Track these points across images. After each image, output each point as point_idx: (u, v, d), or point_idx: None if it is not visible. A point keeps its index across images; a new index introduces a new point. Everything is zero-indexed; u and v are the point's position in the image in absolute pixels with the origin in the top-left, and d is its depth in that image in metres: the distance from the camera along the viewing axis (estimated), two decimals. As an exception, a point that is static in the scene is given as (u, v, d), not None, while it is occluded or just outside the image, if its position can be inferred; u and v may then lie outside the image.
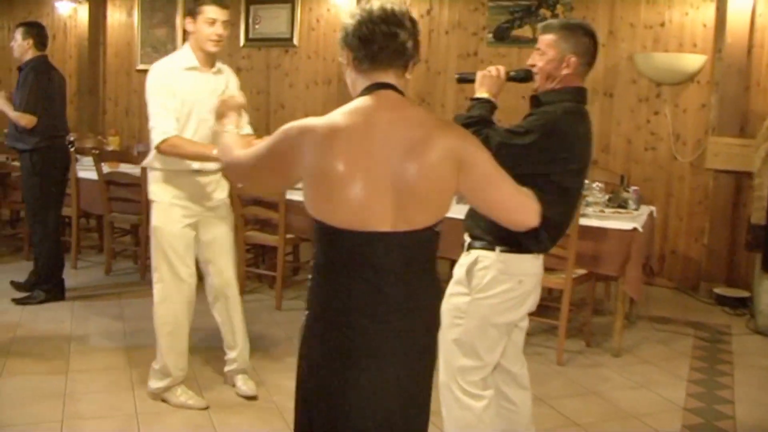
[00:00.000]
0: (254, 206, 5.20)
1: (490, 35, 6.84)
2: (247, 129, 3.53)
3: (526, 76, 2.69)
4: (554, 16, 6.55)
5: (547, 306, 4.60)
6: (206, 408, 3.59)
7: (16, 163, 5.40)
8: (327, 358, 1.85)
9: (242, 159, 1.99)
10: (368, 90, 1.84)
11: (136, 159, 5.95)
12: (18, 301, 5.05)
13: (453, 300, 2.65)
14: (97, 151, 5.94)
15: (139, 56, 8.65)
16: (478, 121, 2.55)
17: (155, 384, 3.64)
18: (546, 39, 2.63)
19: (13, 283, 5.31)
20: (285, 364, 4.22)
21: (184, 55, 3.49)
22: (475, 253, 2.64)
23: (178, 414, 3.54)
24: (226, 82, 3.59)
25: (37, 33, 5.09)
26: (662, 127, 6.34)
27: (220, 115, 2.34)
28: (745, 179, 5.96)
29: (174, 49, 8.25)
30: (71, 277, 5.73)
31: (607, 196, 4.90)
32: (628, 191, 4.92)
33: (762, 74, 5.96)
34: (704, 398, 4.02)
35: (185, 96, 3.42)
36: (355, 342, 1.81)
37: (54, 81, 5.08)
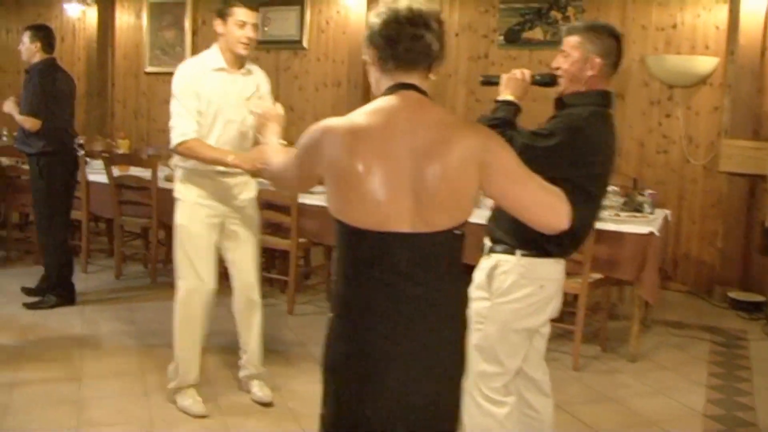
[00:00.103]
0: (266, 210, 5.15)
1: (501, 37, 6.81)
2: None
3: (551, 80, 2.66)
4: (565, 18, 6.52)
5: (561, 310, 4.54)
6: (204, 416, 3.53)
7: (26, 167, 5.38)
8: (350, 361, 1.84)
9: (280, 167, 2.06)
10: (391, 90, 1.83)
11: (146, 162, 5.93)
12: (29, 306, 5.03)
13: (473, 305, 2.61)
14: (107, 155, 5.92)
15: (147, 59, 8.64)
16: (502, 123, 2.51)
17: (169, 384, 3.63)
18: (570, 41, 2.60)
19: (23, 288, 5.28)
20: (299, 369, 4.19)
21: (212, 56, 3.47)
22: (495, 257, 2.61)
23: (194, 422, 3.50)
24: (256, 84, 3.57)
25: (45, 36, 5.07)
26: (674, 130, 6.30)
27: (260, 127, 2.34)
28: (758, 182, 5.92)
29: (182, 51, 8.32)
30: (81, 281, 5.70)
31: (622, 200, 4.86)
32: (643, 195, 4.88)
33: (776, 76, 5.92)
34: (724, 405, 3.97)
35: (211, 97, 3.40)
36: (377, 345, 1.79)
37: (60, 84, 5.05)
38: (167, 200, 5.57)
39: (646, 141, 6.39)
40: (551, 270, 2.62)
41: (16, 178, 6.20)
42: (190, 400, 3.58)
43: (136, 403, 3.67)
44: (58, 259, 5.10)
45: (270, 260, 6.00)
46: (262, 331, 3.77)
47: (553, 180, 2.48)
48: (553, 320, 2.81)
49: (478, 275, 2.66)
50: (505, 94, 2.62)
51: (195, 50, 8.29)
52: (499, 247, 2.62)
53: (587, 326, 4.48)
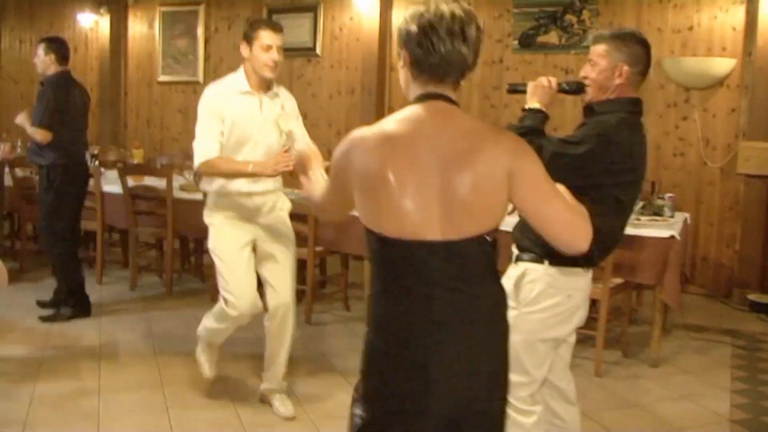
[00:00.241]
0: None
1: (516, 42, 6.78)
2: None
3: (578, 89, 2.63)
4: (580, 21, 6.49)
5: (582, 316, 4.52)
6: (211, 379, 3.81)
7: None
8: (389, 375, 1.80)
9: (320, 196, 2.08)
10: (421, 99, 1.81)
11: (161, 171, 5.93)
12: (45, 319, 5.02)
13: None
14: (122, 165, 5.92)
15: (160, 68, 8.65)
16: (531, 131, 2.49)
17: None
18: (598, 49, 2.57)
19: (39, 301, 5.26)
20: (320, 380, 4.16)
21: (238, 79, 3.49)
22: (523, 266, 2.58)
23: (216, 434, 3.49)
24: (281, 105, 3.56)
25: (59, 48, 5.07)
26: (691, 132, 6.25)
27: (302, 170, 2.34)
28: (777, 184, 5.87)
29: (195, 60, 8.34)
30: (96, 292, 5.70)
31: (641, 204, 4.81)
32: (662, 198, 4.83)
33: (794, 77, 5.87)
34: (750, 409, 3.92)
35: (236, 120, 3.42)
36: (416, 358, 1.76)
37: (73, 96, 5.04)
38: (182, 210, 5.63)
39: (663, 144, 6.35)
40: (579, 280, 2.59)
41: (30, 190, 6.21)
42: (204, 357, 3.81)
43: (156, 416, 3.64)
44: (66, 269, 5.09)
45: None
46: (289, 350, 3.72)
47: (583, 188, 2.47)
48: (574, 327, 2.82)
49: (505, 283, 2.61)
50: (533, 102, 2.59)
51: (208, 59, 8.33)
52: (526, 256, 2.59)
53: (608, 331, 4.44)
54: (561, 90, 2.64)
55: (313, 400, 3.87)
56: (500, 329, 1.87)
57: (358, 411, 1.85)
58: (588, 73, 2.60)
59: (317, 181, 2.19)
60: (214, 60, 8.31)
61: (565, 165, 2.41)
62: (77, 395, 3.85)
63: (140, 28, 8.79)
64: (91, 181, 5.67)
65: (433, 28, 1.74)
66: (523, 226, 2.63)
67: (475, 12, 1.79)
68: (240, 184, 3.50)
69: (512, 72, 6.60)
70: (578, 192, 2.48)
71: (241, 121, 3.43)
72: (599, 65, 2.56)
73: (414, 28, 1.76)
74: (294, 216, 4.97)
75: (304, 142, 3.65)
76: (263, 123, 3.47)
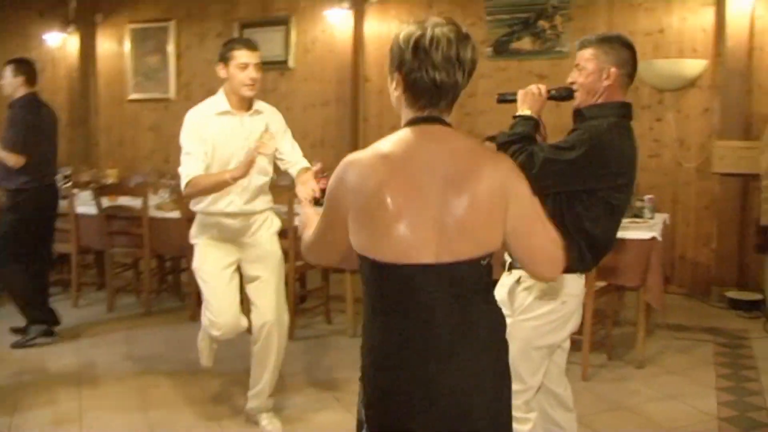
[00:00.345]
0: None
1: (490, 49, 6.79)
2: (303, 162, 3.62)
3: (567, 94, 2.63)
4: (552, 27, 6.52)
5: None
6: (205, 366, 3.79)
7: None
8: (389, 401, 1.77)
9: (313, 233, 1.92)
10: (416, 122, 1.77)
11: (135, 191, 5.85)
12: (15, 345, 4.90)
13: None
14: (95, 185, 5.83)
15: (131, 85, 8.53)
16: (522, 137, 2.49)
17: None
18: (584, 54, 2.58)
19: (12, 328, 5.13)
20: (306, 396, 4.11)
21: (218, 100, 3.47)
22: (516, 273, 2.57)
23: (203, 454, 3.42)
24: (265, 124, 3.52)
25: (27, 70, 4.98)
26: (665, 133, 6.31)
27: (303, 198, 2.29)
28: (751, 182, 5.94)
29: (167, 76, 8.25)
30: (73, 315, 5.61)
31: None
32: (642, 200, 4.85)
33: (763, 77, 5.96)
34: (736, 406, 3.94)
35: (217, 141, 3.40)
36: (412, 385, 1.73)
37: (43, 119, 4.96)
38: (158, 229, 5.56)
39: (638, 145, 6.36)
40: (573, 285, 2.58)
41: None
42: (203, 344, 3.74)
43: (141, 439, 3.58)
44: (18, 287, 4.96)
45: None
46: (276, 372, 3.67)
47: (576, 193, 2.47)
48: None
49: (500, 291, 2.61)
50: (523, 109, 2.59)
51: (179, 75, 8.25)
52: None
53: (592, 335, 4.44)
54: (550, 97, 2.64)
55: (300, 417, 3.83)
56: (499, 352, 1.85)
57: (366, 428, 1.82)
58: (575, 78, 2.60)
59: (308, 217, 2.11)
60: (186, 76, 8.23)
61: (558, 170, 2.42)
62: (58, 422, 3.76)
63: (109, 45, 8.68)
64: (65, 203, 5.59)
65: (428, 56, 1.70)
66: None
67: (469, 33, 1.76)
68: (224, 205, 3.47)
69: (487, 79, 6.60)
70: (571, 197, 2.49)
71: (222, 142, 3.41)
72: (586, 69, 2.56)
73: (409, 55, 1.72)
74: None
75: (294, 157, 3.62)
76: (245, 143, 3.42)
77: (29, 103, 4.90)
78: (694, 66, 6.04)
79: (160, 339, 5.08)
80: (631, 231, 4.39)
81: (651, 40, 6.28)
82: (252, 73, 3.38)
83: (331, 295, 5.53)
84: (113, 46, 8.65)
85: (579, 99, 2.62)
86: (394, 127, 1.82)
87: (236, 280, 3.59)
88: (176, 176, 7.01)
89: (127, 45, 8.51)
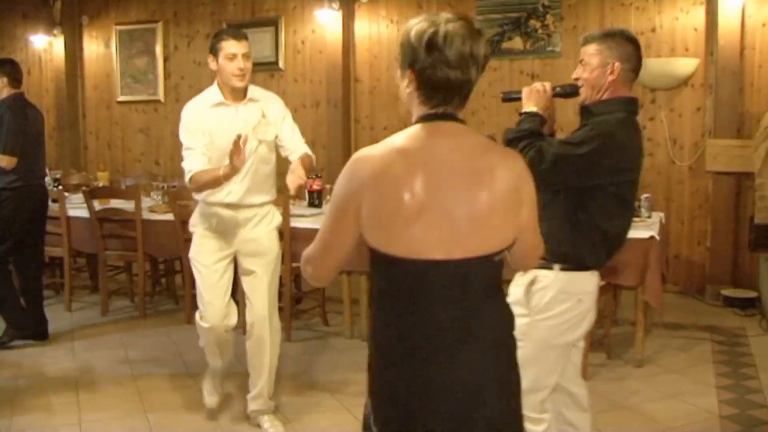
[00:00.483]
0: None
1: (481, 49, 6.77)
2: (303, 149, 3.54)
3: (572, 91, 2.62)
4: (544, 26, 6.53)
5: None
6: (213, 412, 3.74)
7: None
8: (397, 395, 1.75)
9: (316, 243, 1.83)
10: (430, 119, 1.75)
11: (127, 193, 5.78)
12: None
13: None
14: (86, 188, 5.77)
15: (119, 87, 8.45)
16: (530, 134, 2.48)
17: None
18: (588, 50, 2.57)
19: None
20: (306, 397, 4.09)
21: (212, 92, 3.47)
22: (532, 272, 2.55)
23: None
24: (261, 111, 3.49)
25: (11, 70, 4.92)
26: (659, 132, 6.33)
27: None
28: (744, 180, 5.97)
29: (155, 78, 8.19)
30: (67, 319, 5.55)
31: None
32: (639, 199, 4.85)
33: (755, 75, 5.99)
34: (737, 404, 3.95)
35: (213, 133, 3.39)
36: (420, 380, 1.72)
37: (30, 120, 4.91)
38: (151, 231, 5.50)
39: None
40: (588, 283, 2.58)
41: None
42: (206, 391, 3.75)
43: (142, 444, 3.53)
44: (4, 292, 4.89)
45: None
46: (273, 369, 3.64)
47: (587, 189, 2.47)
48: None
49: (515, 291, 2.60)
50: (529, 106, 2.58)
51: (168, 77, 8.19)
52: None
53: (591, 334, 4.43)
54: (555, 94, 2.63)
55: (301, 418, 3.80)
56: (507, 348, 1.84)
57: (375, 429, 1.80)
58: (580, 73, 2.60)
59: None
60: (175, 78, 8.17)
61: (569, 166, 2.42)
62: (56, 427, 3.70)
63: (96, 48, 8.59)
64: (56, 206, 5.53)
65: (442, 53, 1.68)
66: None
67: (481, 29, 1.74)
68: (223, 195, 3.43)
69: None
70: (583, 193, 2.48)
71: (218, 133, 3.39)
72: (591, 64, 2.56)
73: (422, 52, 1.69)
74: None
75: (293, 144, 3.55)
76: (243, 132, 3.36)
77: (15, 104, 4.85)
78: (686, 65, 6.07)
79: (156, 342, 5.03)
80: (629, 230, 4.37)
81: (643, 40, 6.14)
82: (240, 63, 3.36)
83: (328, 297, 5.50)
84: (100, 48, 8.56)
85: (584, 95, 2.61)
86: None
87: (230, 273, 3.58)
88: (167, 178, 7.06)
89: (114, 47, 8.42)
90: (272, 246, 3.60)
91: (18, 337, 4.92)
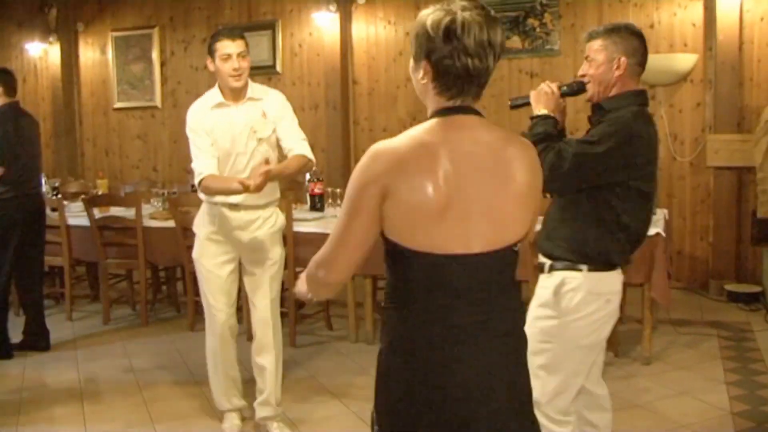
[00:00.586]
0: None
1: (479, 48, 6.75)
2: (299, 149, 3.47)
3: (578, 89, 2.61)
4: (542, 25, 6.51)
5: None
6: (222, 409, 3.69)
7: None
8: (409, 396, 1.73)
9: (320, 252, 1.78)
10: (449, 112, 1.72)
11: (127, 201, 5.74)
12: None
13: (539, 324, 2.54)
14: (85, 196, 5.72)
15: (116, 94, 8.41)
16: (546, 137, 2.47)
17: None
18: (594, 45, 2.55)
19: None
20: (312, 403, 4.05)
21: (213, 93, 3.49)
22: (559, 275, 2.53)
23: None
24: (261, 110, 3.46)
25: (6, 79, 4.87)
26: (659, 128, 6.26)
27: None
28: (746, 174, 5.97)
29: (152, 84, 8.16)
30: (68, 328, 5.51)
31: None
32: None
33: (754, 69, 5.98)
34: (748, 401, 3.93)
35: (215, 133, 3.41)
36: (435, 375, 1.70)
37: (23, 128, 4.86)
38: (152, 238, 5.46)
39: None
40: (615, 282, 2.57)
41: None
42: (228, 424, 3.66)
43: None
44: None
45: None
46: (279, 373, 3.62)
47: (609, 185, 2.45)
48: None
49: (543, 293, 2.58)
50: (539, 109, 2.56)
51: (165, 82, 8.15)
52: (560, 264, 2.55)
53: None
54: (563, 93, 2.61)
55: (309, 424, 3.77)
56: (519, 340, 1.83)
57: (377, 428, 1.78)
58: (586, 70, 2.58)
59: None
60: (172, 83, 8.13)
61: (590, 165, 2.41)
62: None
63: (92, 54, 8.55)
64: (55, 215, 5.48)
65: (461, 42, 1.64)
66: (550, 234, 2.60)
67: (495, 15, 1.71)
68: (225, 196, 3.42)
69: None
70: (604, 190, 2.46)
71: (220, 133, 3.41)
72: (597, 60, 2.54)
73: (440, 42, 1.66)
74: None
75: (289, 143, 3.49)
76: (242, 133, 3.42)
77: (9, 113, 4.80)
78: (685, 60, 6.05)
79: (160, 350, 4.99)
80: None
81: (642, 36, 6.27)
82: (235, 63, 3.35)
83: (331, 301, 5.46)
84: (96, 54, 8.52)
85: (591, 91, 2.60)
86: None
87: (234, 276, 3.59)
88: (166, 184, 7.01)
89: (110, 53, 8.38)
90: (275, 249, 3.59)
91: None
